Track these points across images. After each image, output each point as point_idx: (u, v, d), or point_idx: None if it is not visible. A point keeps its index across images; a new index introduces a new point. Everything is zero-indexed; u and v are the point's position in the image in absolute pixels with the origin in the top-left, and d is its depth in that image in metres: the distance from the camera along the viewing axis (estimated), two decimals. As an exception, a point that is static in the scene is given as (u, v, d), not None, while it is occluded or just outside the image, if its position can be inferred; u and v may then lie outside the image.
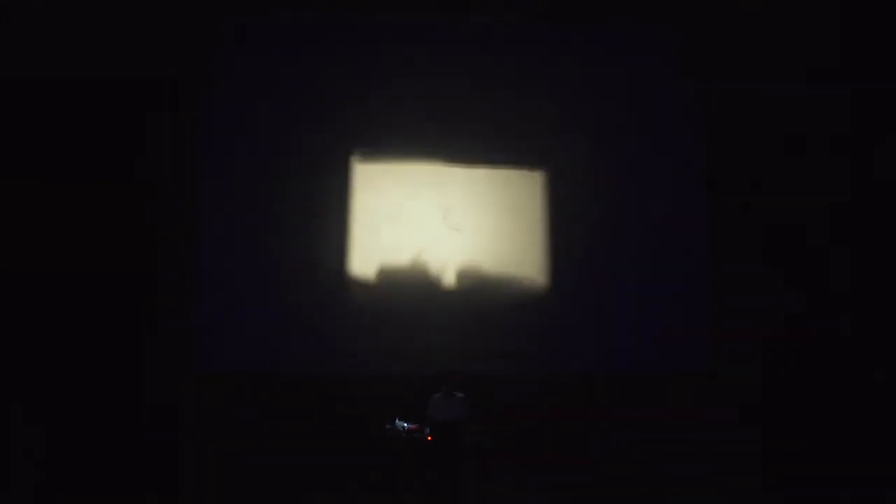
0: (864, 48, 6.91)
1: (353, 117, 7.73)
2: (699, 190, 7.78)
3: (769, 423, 6.93)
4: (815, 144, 7.19)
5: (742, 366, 7.34)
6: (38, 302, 6.66)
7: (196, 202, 7.57)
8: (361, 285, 7.65)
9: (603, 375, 7.55)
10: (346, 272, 7.65)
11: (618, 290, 7.69)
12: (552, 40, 7.85)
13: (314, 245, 7.65)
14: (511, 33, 7.83)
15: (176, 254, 7.42)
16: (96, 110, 7.10)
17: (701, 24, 7.79)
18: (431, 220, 7.72)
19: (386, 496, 5.92)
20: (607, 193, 7.78)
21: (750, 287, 7.41)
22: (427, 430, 6.04)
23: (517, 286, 7.70)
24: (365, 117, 7.73)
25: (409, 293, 7.66)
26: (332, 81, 7.74)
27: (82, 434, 6.48)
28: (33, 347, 6.58)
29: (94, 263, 7.00)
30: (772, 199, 7.41)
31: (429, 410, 6.05)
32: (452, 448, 5.91)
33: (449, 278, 7.69)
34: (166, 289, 7.33)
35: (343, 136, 7.72)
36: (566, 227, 7.76)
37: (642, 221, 7.75)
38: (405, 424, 6.11)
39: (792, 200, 7.30)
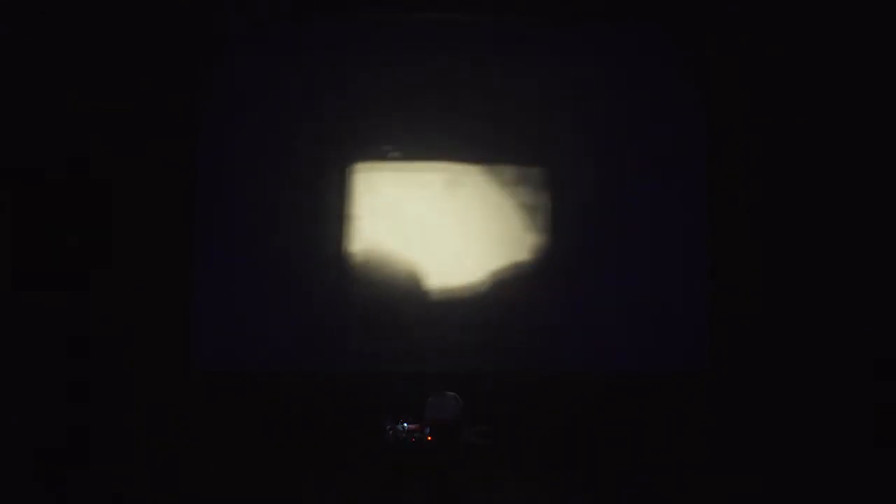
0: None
1: (353, 116, 7.71)
2: (699, 189, 7.76)
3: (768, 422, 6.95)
4: (816, 143, 7.20)
5: (742, 366, 7.34)
6: (37, 301, 6.64)
7: (195, 202, 7.56)
8: (362, 285, 7.64)
9: (603, 375, 7.55)
10: (346, 272, 7.65)
11: (618, 289, 7.69)
12: (553, 40, 7.83)
13: (314, 245, 7.65)
14: (511, 32, 7.82)
15: (175, 253, 7.42)
16: (94, 111, 7.09)
17: (703, 24, 7.78)
18: (432, 220, 7.72)
19: (386, 496, 5.92)
20: (607, 193, 7.77)
21: (750, 286, 7.42)
22: (427, 431, 6.03)
23: (518, 285, 7.70)
24: (365, 116, 7.72)
25: (409, 293, 7.66)
26: (332, 80, 7.72)
27: (81, 434, 6.47)
28: (31, 347, 6.56)
29: (94, 263, 6.99)
30: (772, 199, 7.42)
31: (426, 412, 6.03)
32: (452, 448, 5.90)
33: (450, 278, 7.69)
34: (165, 288, 7.32)
35: (343, 135, 7.70)
36: (566, 226, 7.76)
37: (642, 221, 7.74)
38: (405, 424, 6.10)
39: (793, 200, 7.31)
